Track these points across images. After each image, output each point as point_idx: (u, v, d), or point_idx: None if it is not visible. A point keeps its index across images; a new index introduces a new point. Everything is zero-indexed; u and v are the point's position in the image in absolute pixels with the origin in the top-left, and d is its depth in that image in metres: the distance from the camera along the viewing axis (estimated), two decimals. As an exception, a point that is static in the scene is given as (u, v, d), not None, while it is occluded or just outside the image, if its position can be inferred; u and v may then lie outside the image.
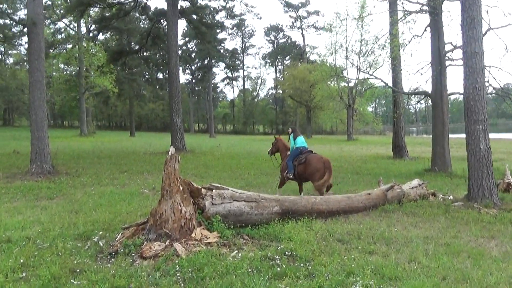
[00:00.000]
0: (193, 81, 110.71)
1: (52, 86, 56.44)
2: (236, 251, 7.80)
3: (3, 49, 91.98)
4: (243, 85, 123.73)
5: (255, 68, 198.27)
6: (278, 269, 6.83)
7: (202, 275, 6.50)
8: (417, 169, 20.95)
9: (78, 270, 6.71)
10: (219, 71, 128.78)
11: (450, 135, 20.95)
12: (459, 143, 35.27)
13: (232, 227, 8.75)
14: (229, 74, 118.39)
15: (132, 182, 17.02)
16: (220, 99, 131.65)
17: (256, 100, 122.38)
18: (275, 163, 15.33)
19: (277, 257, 7.41)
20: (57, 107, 77.41)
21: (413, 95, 22.99)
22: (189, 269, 6.75)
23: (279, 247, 7.89)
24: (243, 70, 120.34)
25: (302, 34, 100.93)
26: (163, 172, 8.22)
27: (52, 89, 57.86)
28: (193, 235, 8.02)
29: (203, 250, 7.49)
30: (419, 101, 25.26)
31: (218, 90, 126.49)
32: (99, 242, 8.33)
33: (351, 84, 59.11)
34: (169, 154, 8.23)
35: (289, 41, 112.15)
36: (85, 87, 56.01)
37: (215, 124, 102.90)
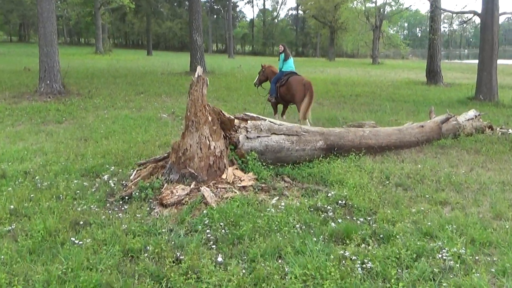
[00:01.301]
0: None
1: (66, 0, 54.13)
2: (277, 197, 6.34)
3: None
4: (263, 4, 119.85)
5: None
6: (333, 225, 5.38)
7: (238, 233, 5.05)
8: (458, 97, 19.18)
9: (81, 223, 5.29)
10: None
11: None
12: (502, 70, 33.19)
13: (269, 166, 7.26)
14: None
15: (149, 105, 15.52)
16: (239, 19, 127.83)
17: (276, 20, 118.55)
18: (262, 93, 13.74)
19: (329, 207, 5.94)
20: (72, 23, 74.69)
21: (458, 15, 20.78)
22: (221, 223, 5.32)
23: (329, 194, 6.40)
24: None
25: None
26: (187, 97, 6.66)
27: (66, 3, 55.46)
28: (224, 176, 6.54)
29: (237, 197, 6.03)
30: (465, 22, 22.99)
31: (237, 9, 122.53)
32: (110, 181, 6.90)
33: (379, 4, 55.99)
34: (196, 75, 6.63)
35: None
36: (101, 1, 53.45)
37: (234, 44, 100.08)
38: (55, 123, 12.07)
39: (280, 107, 13.12)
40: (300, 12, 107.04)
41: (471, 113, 11.60)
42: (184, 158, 6.45)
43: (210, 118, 6.57)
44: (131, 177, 7.00)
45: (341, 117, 13.76)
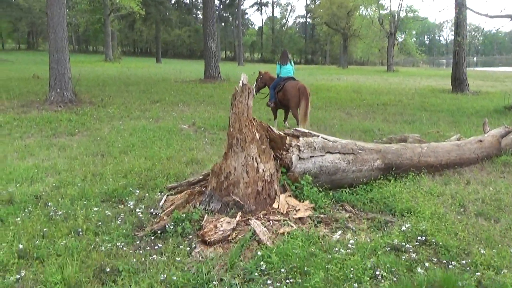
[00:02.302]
0: (221, 6, 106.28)
1: (75, 7, 53.12)
2: (340, 231, 5.21)
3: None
4: (272, 12, 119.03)
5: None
6: (421, 271, 4.26)
7: (309, 285, 3.93)
8: (494, 106, 18.00)
9: (108, 270, 4.18)
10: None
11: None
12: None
13: (323, 191, 6.12)
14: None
15: (167, 115, 14.44)
16: (248, 26, 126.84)
17: (284, 28, 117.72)
18: (262, 97, 13.91)
19: (409, 246, 4.81)
20: (81, 30, 73.70)
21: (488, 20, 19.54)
22: (283, 270, 4.20)
23: (404, 227, 5.26)
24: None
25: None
26: (230, 110, 5.56)
27: (75, 10, 54.50)
28: (275, 205, 5.43)
29: (295, 232, 4.91)
30: (499, 28, 21.66)
31: (246, 17, 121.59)
32: (136, 209, 5.79)
33: (394, 10, 54.75)
34: (240, 83, 5.53)
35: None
36: (110, 8, 52.49)
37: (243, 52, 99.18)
38: (67, 135, 11.02)
39: (282, 113, 13.25)
40: (309, 20, 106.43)
41: (527, 125, 10.44)
42: (227, 183, 5.34)
43: (257, 136, 5.45)
44: (161, 204, 5.90)
45: (376, 128, 12.65)
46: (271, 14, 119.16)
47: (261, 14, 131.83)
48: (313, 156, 6.01)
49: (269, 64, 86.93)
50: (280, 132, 5.83)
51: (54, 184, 6.82)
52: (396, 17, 53.78)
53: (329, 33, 77.75)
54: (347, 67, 60.56)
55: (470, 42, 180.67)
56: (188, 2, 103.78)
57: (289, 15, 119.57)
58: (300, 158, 5.88)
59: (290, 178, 5.81)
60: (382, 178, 6.93)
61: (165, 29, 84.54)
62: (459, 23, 24.60)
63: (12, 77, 25.62)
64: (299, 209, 5.40)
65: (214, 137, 11.19)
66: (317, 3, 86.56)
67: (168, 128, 11.95)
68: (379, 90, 25.38)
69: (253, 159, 5.34)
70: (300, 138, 6.05)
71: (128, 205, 5.92)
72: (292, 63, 12.81)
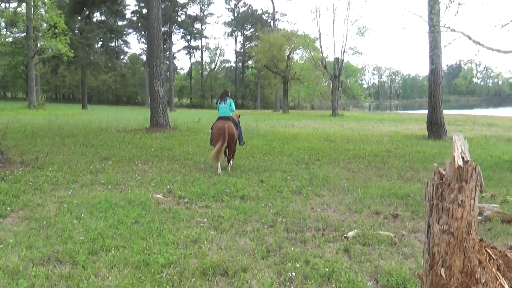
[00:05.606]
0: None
1: (-7, 49, 48.15)
2: None
3: None
4: (201, 56, 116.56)
5: (214, 38, 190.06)
6: None
7: None
8: (493, 154, 15.70)
9: None
10: (176, 41, 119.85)
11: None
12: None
13: None
14: (190, 43, 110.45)
15: (127, 177, 10.98)
16: (178, 69, 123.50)
17: (214, 71, 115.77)
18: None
19: None
20: (1, 74, 67.56)
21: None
22: None
23: None
24: (201, 40, 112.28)
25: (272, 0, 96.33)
26: (428, 223, 2.31)
27: (-7, 52, 49.40)
28: None
29: None
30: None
31: (174, 61, 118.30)
32: None
33: (338, 53, 53.00)
34: (457, 161, 2.30)
35: (250, 10, 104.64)
36: (34, 50, 47.65)
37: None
38: (-5, 219, 7.40)
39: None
40: (240, 64, 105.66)
41: None
42: None
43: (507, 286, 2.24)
44: None
45: (411, 193, 9.76)
46: (199, 59, 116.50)
47: (190, 58, 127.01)
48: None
49: (199, 109, 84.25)
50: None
51: None
52: (341, 59, 51.83)
53: (261, 76, 75.83)
54: (288, 112, 58.10)
55: (390, 85, 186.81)
56: (114, 45, 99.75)
57: (218, 59, 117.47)
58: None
59: None
60: None
61: (91, 73, 79.84)
62: (434, 61, 22.34)
63: None
64: None
65: (210, 214, 7.91)
66: (253, 44, 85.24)
67: (140, 201, 8.55)
68: (351, 138, 22.65)
69: None
70: None
71: None
72: (230, 101, 12.73)
